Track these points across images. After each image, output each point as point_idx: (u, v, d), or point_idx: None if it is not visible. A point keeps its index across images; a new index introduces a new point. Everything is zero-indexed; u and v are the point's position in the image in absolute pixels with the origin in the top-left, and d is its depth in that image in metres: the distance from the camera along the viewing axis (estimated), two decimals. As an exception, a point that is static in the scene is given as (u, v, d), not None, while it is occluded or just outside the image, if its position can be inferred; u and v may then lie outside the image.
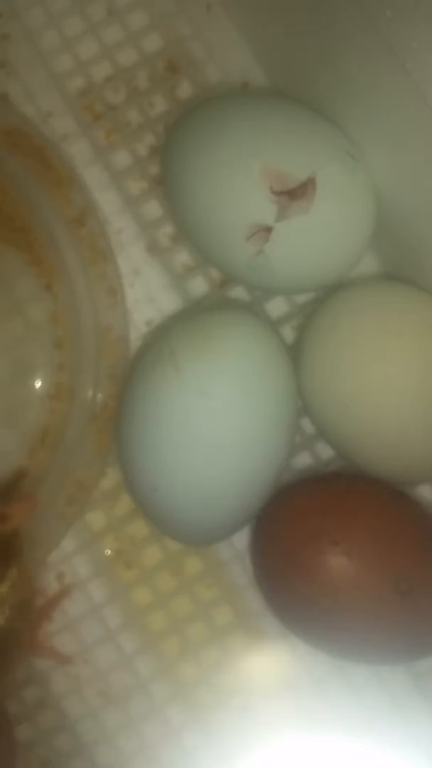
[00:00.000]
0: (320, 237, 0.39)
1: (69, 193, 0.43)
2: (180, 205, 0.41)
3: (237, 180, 0.39)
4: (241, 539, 0.43)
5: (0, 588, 0.39)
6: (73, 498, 0.43)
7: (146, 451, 0.39)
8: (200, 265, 0.44)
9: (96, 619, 0.44)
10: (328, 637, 0.40)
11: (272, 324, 0.43)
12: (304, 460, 0.44)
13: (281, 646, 0.43)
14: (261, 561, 0.41)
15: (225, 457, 0.39)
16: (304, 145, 0.39)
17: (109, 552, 0.44)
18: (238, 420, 0.38)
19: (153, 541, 0.44)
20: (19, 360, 0.43)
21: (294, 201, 0.38)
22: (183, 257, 0.44)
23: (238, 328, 0.40)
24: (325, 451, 0.43)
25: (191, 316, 0.42)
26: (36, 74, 0.44)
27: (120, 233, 0.44)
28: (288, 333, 0.44)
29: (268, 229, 0.39)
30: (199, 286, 0.44)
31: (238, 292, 0.44)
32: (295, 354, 0.41)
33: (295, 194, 0.38)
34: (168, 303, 0.44)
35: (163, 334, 0.41)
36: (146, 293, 0.44)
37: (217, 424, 0.38)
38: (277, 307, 0.44)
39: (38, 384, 0.43)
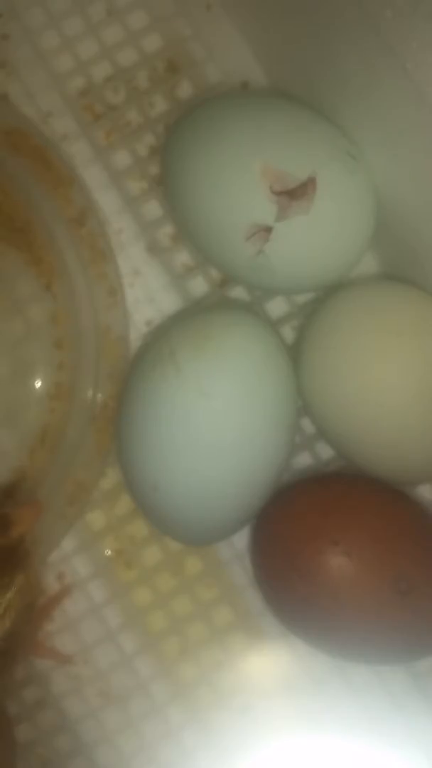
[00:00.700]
0: (320, 237, 0.39)
1: (69, 193, 0.43)
2: (180, 205, 0.41)
3: (237, 180, 0.39)
4: (241, 539, 0.43)
5: (7, 594, 0.39)
6: (73, 498, 0.43)
7: (146, 451, 0.39)
8: (200, 265, 0.44)
9: (96, 619, 0.44)
10: (328, 637, 0.40)
11: (272, 324, 0.43)
12: (304, 460, 0.44)
13: (281, 646, 0.43)
14: (261, 561, 0.41)
15: (225, 457, 0.39)
16: (304, 145, 0.39)
17: (109, 552, 0.44)
18: (238, 420, 0.38)
19: (153, 541, 0.44)
20: (19, 360, 0.43)
21: (294, 201, 0.38)
22: (183, 257, 0.44)
23: (238, 328, 0.40)
24: (325, 451, 0.43)
25: (191, 316, 0.42)
26: (36, 74, 0.44)
27: (120, 233, 0.44)
28: (288, 333, 0.44)
29: (268, 229, 0.39)
30: (199, 286, 0.44)
31: (238, 292, 0.44)
32: (295, 354, 0.41)
33: (295, 194, 0.38)
34: (168, 303, 0.44)
35: (163, 334, 0.41)
36: (146, 293, 0.44)
37: (217, 423, 0.38)
38: (277, 307, 0.44)
39: (38, 384, 0.43)
